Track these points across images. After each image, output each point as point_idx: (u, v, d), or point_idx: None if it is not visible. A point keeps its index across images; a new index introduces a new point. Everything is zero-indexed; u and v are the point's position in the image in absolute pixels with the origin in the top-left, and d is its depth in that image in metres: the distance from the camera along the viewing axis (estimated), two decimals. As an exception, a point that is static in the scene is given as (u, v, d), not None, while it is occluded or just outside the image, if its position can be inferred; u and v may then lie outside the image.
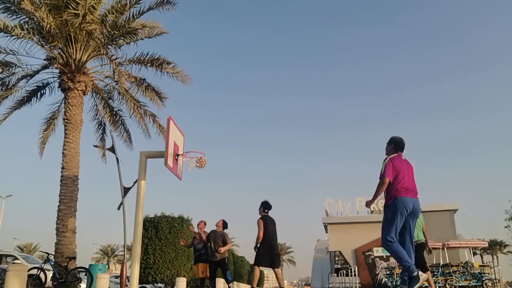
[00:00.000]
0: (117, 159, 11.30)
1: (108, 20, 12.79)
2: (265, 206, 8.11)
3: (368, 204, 5.50)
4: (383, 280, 21.68)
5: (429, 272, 7.38)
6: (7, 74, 13.48)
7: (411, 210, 4.99)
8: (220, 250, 9.15)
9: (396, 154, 5.26)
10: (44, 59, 13.62)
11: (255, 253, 7.82)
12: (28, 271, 9.05)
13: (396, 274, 18.00)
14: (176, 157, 8.26)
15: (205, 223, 9.90)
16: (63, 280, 10.97)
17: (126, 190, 11.07)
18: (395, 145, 5.33)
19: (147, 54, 13.63)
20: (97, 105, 15.27)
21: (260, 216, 7.99)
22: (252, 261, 9.22)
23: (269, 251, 7.77)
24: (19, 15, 12.19)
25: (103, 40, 12.84)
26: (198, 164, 8.26)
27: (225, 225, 9.63)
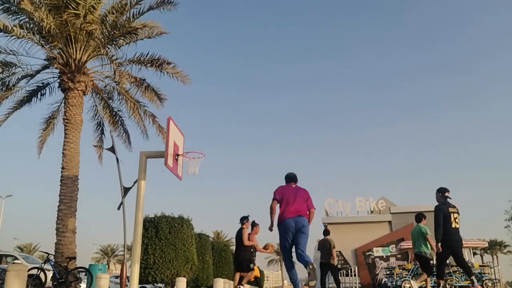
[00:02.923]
0: (117, 159, 11.30)
1: (108, 20, 12.78)
2: (242, 219, 9.58)
3: (269, 228, 6.25)
4: (383, 280, 21.68)
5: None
6: (8, 74, 13.48)
7: (294, 228, 5.90)
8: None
9: (285, 184, 6.47)
10: (44, 59, 13.63)
11: None
12: (28, 271, 9.05)
13: (396, 274, 18.00)
14: (176, 157, 8.25)
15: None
16: (63, 280, 10.97)
17: (126, 190, 11.08)
18: (285, 179, 6.59)
19: (147, 54, 13.64)
20: (96, 105, 15.27)
21: None
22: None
23: (235, 258, 9.53)
24: (19, 15, 12.19)
25: (103, 40, 12.84)
26: (191, 170, 8.36)
27: (327, 233, 11.53)
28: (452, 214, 7.27)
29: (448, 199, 7.47)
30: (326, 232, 11.50)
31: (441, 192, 7.50)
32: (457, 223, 7.27)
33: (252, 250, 9.56)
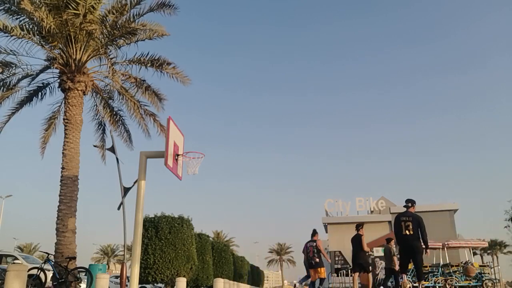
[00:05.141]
0: (117, 159, 11.33)
1: (108, 20, 12.78)
2: (358, 226, 10.96)
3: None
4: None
5: None
6: (8, 75, 13.48)
7: (307, 265, 10.79)
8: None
9: (307, 241, 10.92)
10: (44, 59, 13.63)
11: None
12: (28, 271, 9.07)
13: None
14: (176, 157, 8.26)
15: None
16: (63, 280, 10.97)
17: (126, 190, 11.10)
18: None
19: (147, 55, 13.65)
20: (97, 105, 15.28)
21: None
22: (251, 261, 10.79)
23: (353, 261, 10.80)
24: (19, 15, 12.19)
25: (103, 40, 12.84)
26: (191, 170, 8.35)
27: (389, 240, 12.75)
28: (402, 223, 8.10)
29: (407, 209, 8.30)
30: (388, 240, 12.69)
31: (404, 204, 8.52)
32: (408, 230, 7.95)
33: (368, 253, 11.04)
